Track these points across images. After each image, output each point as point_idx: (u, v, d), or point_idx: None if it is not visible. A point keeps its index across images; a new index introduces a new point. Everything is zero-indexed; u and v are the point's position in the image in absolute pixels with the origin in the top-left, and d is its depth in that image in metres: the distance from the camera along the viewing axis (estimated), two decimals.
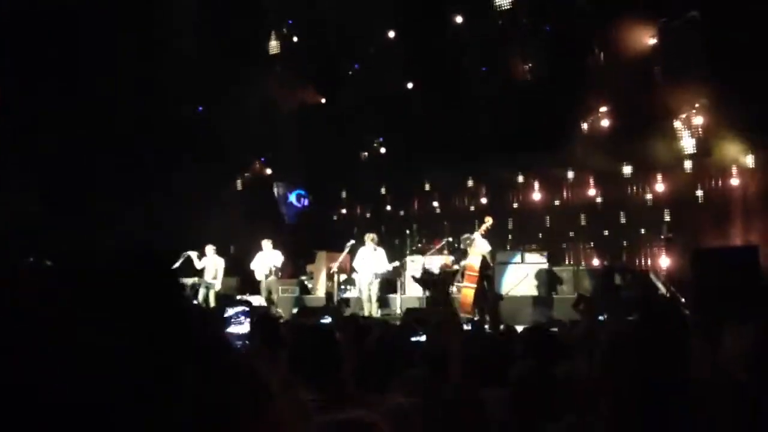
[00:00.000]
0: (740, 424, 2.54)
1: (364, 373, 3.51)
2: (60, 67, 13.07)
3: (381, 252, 13.20)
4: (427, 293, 12.89)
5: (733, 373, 3.01)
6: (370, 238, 13.17)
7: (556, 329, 6.11)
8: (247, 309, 5.80)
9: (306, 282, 15.54)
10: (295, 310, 12.24)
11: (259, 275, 13.83)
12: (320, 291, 14.93)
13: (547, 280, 13.35)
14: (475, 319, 11.36)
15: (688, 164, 14.41)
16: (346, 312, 11.45)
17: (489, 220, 12.35)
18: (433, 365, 3.20)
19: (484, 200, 17.42)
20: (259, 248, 14.00)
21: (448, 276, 12.57)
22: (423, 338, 4.67)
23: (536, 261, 13.80)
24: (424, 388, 2.68)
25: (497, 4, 13.36)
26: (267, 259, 13.79)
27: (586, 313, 5.44)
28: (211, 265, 13.55)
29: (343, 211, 19.57)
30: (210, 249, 13.58)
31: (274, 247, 13.99)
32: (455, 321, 3.45)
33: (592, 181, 16.23)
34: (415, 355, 3.75)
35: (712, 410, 2.50)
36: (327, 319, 7.28)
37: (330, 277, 14.11)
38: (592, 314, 5.42)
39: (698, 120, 13.57)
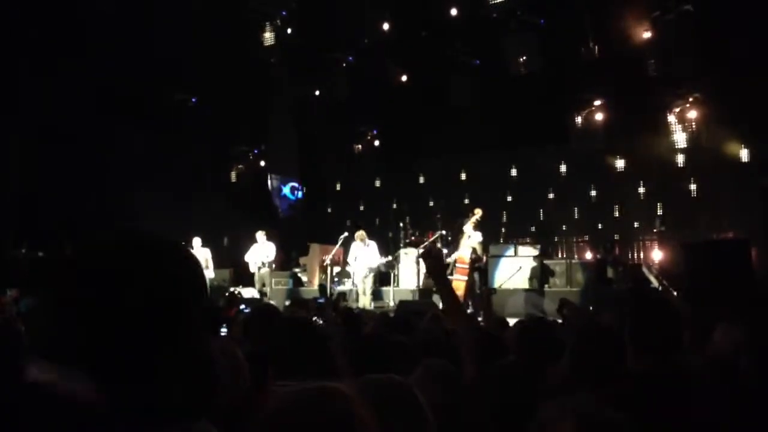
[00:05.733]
0: (730, 412, 2.56)
1: (358, 364, 3.51)
2: (54, 53, 12.96)
3: (373, 246, 13.22)
4: (421, 285, 12.92)
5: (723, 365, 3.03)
6: (359, 236, 13.20)
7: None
8: None
9: (299, 274, 15.56)
10: (287, 302, 12.24)
11: (253, 267, 13.83)
12: (314, 283, 14.95)
13: (540, 273, 13.39)
14: (468, 311, 11.39)
15: (681, 157, 14.45)
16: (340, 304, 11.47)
17: (478, 212, 12.35)
18: (429, 355, 3.18)
19: (477, 193, 17.43)
20: (253, 240, 13.98)
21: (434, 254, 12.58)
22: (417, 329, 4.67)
23: (529, 254, 13.83)
24: (443, 377, 2.64)
25: None
26: (261, 251, 13.78)
27: (571, 317, 5.43)
28: (200, 256, 13.53)
29: (337, 203, 19.56)
30: (197, 241, 13.55)
31: (268, 238, 13.98)
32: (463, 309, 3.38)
33: (585, 175, 16.25)
34: (410, 346, 3.74)
35: (703, 399, 2.52)
36: (321, 300, 7.29)
37: (323, 269, 14.13)
38: (579, 317, 5.42)
39: (692, 113, 13.62)
